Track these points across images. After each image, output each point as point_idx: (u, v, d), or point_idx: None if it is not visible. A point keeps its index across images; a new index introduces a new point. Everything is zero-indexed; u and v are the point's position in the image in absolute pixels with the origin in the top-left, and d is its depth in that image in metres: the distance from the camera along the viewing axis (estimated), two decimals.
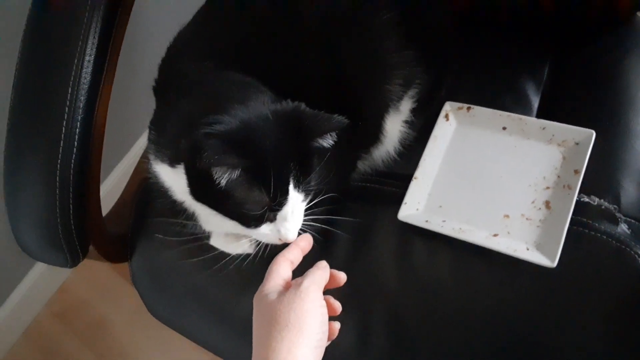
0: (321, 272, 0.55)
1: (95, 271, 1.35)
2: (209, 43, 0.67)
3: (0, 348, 1.28)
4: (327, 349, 0.69)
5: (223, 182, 0.55)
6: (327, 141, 0.60)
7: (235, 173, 0.54)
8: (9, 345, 1.30)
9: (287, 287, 0.53)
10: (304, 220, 0.62)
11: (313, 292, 0.52)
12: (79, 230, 0.62)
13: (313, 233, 0.64)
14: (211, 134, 0.52)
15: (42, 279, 1.30)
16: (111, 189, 1.29)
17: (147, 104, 0.67)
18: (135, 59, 1.04)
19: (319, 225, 0.65)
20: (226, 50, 0.66)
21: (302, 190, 0.59)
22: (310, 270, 0.55)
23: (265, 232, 0.60)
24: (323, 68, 0.67)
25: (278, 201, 0.57)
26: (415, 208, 0.70)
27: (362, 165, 0.76)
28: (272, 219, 0.59)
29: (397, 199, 0.71)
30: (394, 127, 0.73)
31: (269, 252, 0.64)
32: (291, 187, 0.58)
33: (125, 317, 1.30)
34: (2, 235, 0.66)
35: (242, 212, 0.58)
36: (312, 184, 0.61)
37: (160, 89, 0.67)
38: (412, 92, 0.72)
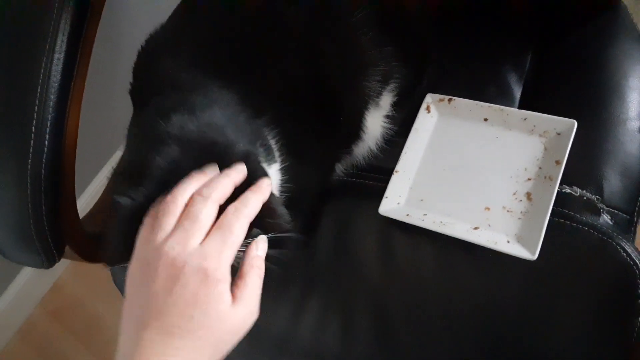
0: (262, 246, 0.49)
1: (89, 269, 1.34)
2: (185, 43, 0.66)
3: None
4: (312, 346, 0.69)
5: None
6: None
7: None
8: (3, 343, 1.30)
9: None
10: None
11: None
12: (53, 231, 0.61)
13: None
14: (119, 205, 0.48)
15: (34, 277, 1.30)
16: (95, 194, 1.28)
17: (130, 110, 0.66)
18: (115, 62, 1.03)
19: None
20: (202, 50, 0.65)
21: None
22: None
23: None
24: (301, 68, 0.66)
25: None
26: (396, 202, 0.70)
27: (343, 164, 0.75)
28: None
29: (379, 193, 0.70)
30: (375, 122, 0.73)
31: None
32: None
33: (119, 314, 1.30)
34: None
35: None
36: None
37: (136, 93, 0.66)
38: (391, 87, 0.71)
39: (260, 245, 0.49)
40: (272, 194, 0.51)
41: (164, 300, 0.43)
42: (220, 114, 0.57)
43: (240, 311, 0.45)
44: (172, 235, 0.45)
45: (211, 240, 0.45)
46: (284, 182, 0.62)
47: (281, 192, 0.62)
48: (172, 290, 0.43)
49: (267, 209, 0.50)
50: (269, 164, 0.59)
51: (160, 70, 0.64)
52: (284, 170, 0.62)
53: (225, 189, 0.47)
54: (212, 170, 0.50)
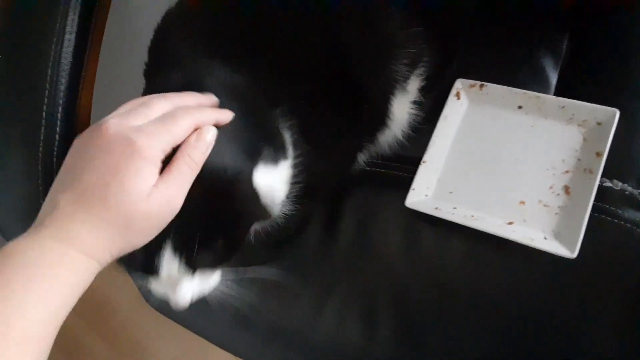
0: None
1: None
2: (200, 24, 0.63)
3: None
4: (332, 341, 0.67)
5: None
6: None
7: None
8: None
9: None
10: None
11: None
12: None
13: None
14: None
15: None
16: None
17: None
18: (128, 44, 0.99)
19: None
20: (217, 28, 0.61)
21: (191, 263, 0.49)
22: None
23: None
24: (322, 51, 0.63)
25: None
26: (424, 194, 0.66)
27: (365, 153, 0.72)
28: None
29: (405, 185, 0.67)
30: (402, 109, 0.69)
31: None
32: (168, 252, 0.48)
33: (131, 299, 1.29)
34: None
35: None
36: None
37: (151, 74, 0.63)
38: (419, 71, 0.68)
39: (203, 135, 0.47)
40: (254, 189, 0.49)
41: (84, 166, 0.43)
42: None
43: (157, 196, 0.43)
44: (119, 115, 0.45)
45: (151, 122, 0.45)
46: (296, 174, 0.60)
47: (293, 183, 0.60)
48: (95, 156, 0.43)
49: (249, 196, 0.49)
50: (277, 162, 0.55)
51: (173, 51, 0.61)
52: (296, 164, 0.59)
53: (185, 98, 0.49)
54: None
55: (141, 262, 0.48)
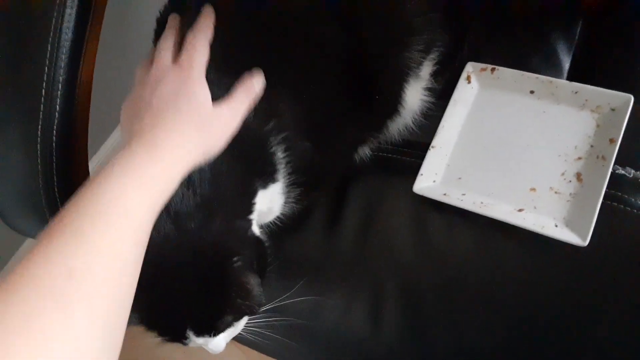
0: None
1: None
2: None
3: None
4: (335, 329, 0.66)
5: None
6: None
7: None
8: None
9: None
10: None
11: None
12: (66, 201, 0.58)
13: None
14: None
15: None
16: (104, 160, 1.25)
17: None
18: (130, 19, 0.98)
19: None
20: (227, 20, 0.58)
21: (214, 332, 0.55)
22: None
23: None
24: (336, 40, 0.61)
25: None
26: (432, 180, 0.65)
27: (370, 144, 0.70)
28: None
29: (413, 170, 0.65)
30: (415, 95, 0.67)
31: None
32: (192, 334, 0.54)
33: None
34: None
35: None
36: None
37: None
38: (432, 56, 0.66)
39: (257, 79, 0.56)
40: (249, 274, 0.53)
41: (150, 98, 0.51)
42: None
43: (224, 105, 0.53)
44: (150, 65, 0.55)
45: (181, 55, 0.54)
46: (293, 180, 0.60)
47: (291, 188, 0.61)
48: (155, 89, 0.52)
49: (241, 289, 0.52)
50: (269, 186, 0.58)
51: None
52: (291, 183, 0.61)
53: (174, 24, 0.58)
54: None
55: (173, 339, 0.55)
